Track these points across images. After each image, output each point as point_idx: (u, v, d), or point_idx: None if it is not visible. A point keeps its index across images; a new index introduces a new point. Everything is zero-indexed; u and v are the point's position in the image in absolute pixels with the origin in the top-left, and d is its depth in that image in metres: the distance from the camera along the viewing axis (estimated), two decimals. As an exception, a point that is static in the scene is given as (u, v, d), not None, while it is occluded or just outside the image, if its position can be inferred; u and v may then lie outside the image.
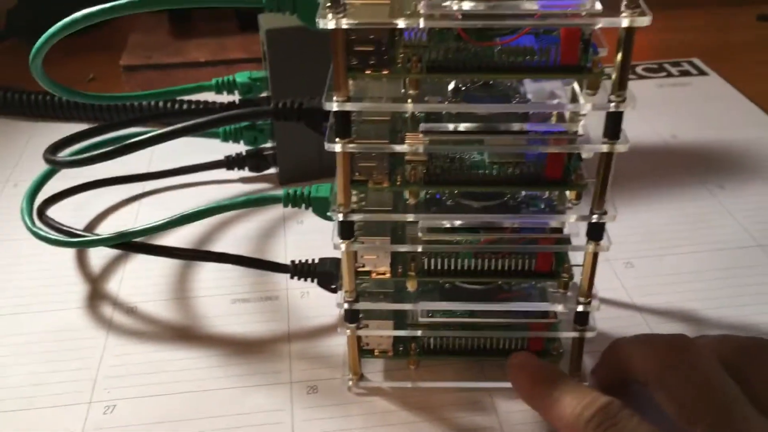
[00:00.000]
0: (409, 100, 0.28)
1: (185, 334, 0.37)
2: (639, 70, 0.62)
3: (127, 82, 0.59)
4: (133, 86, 0.59)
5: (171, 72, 0.59)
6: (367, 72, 0.27)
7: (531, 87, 0.30)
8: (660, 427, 0.27)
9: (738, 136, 0.52)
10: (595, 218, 0.29)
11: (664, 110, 0.56)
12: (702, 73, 0.61)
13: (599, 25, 0.25)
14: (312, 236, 0.43)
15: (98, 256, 0.42)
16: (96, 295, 0.40)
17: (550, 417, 0.31)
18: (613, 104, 0.26)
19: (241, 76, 0.45)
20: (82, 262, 0.42)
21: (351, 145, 0.28)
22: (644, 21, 0.25)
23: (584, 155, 0.30)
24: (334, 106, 0.27)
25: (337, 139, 0.28)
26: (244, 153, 0.48)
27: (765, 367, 0.30)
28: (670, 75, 0.61)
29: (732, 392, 0.28)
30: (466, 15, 0.26)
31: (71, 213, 0.45)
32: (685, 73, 0.61)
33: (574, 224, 0.31)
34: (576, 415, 0.29)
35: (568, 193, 0.31)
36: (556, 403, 0.30)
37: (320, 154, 0.47)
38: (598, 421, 0.28)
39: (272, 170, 0.49)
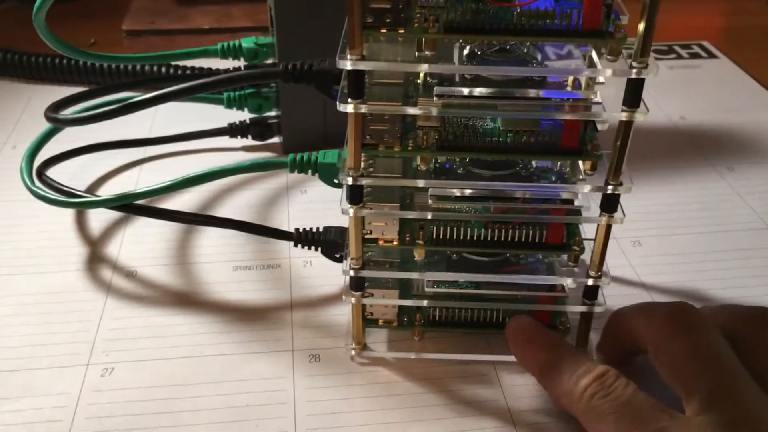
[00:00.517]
0: (425, 61, 0.27)
1: (185, 299, 0.37)
2: (648, 51, 0.61)
3: (130, 47, 0.58)
4: (136, 51, 0.58)
5: (174, 38, 0.58)
6: (383, 31, 0.26)
7: (548, 59, 0.30)
8: (661, 398, 0.27)
9: (747, 119, 0.52)
10: (610, 189, 0.28)
11: (673, 92, 0.55)
12: (712, 56, 0.61)
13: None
14: (315, 206, 0.43)
15: (98, 219, 0.41)
16: (95, 258, 0.39)
17: (546, 384, 0.30)
18: (635, 70, 0.26)
19: (247, 42, 0.44)
20: (81, 225, 0.41)
21: (363, 106, 0.27)
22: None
23: (599, 127, 0.29)
24: (348, 65, 0.26)
25: (349, 100, 0.27)
26: (248, 121, 0.47)
27: (767, 337, 0.29)
28: (680, 57, 0.60)
29: (731, 363, 0.27)
30: (487, -28, 0.25)
31: (71, 176, 0.44)
32: (695, 56, 0.61)
33: (585, 199, 0.30)
34: (572, 384, 0.28)
35: (581, 164, 0.30)
36: (554, 371, 0.29)
37: (325, 124, 0.46)
38: (593, 391, 0.28)
39: (276, 139, 0.48)
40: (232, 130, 0.47)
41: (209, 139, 0.47)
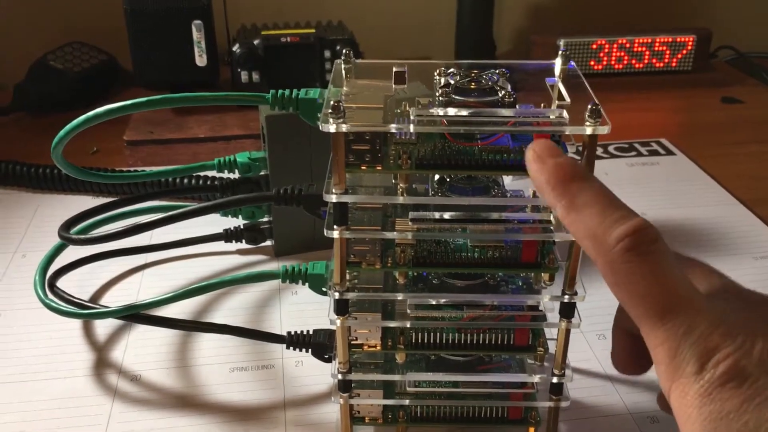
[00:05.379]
0: (400, 191, 0.31)
1: (187, 401, 0.39)
2: (611, 149, 0.66)
3: (130, 156, 0.62)
4: (136, 160, 0.62)
5: (172, 146, 0.63)
6: (363, 168, 0.30)
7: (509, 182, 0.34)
8: None
9: (702, 213, 0.56)
10: (566, 298, 0.32)
11: (634, 188, 0.60)
12: (669, 152, 0.66)
13: (566, 132, 0.29)
14: (306, 306, 0.46)
15: (103, 326, 0.45)
16: (101, 363, 0.42)
17: (570, 221, 0.27)
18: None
19: (241, 156, 0.48)
20: (88, 332, 0.44)
21: (347, 232, 0.31)
22: (604, 130, 0.28)
23: (557, 240, 0.33)
24: (333, 198, 0.30)
25: (335, 227, 0.31)
26: (242, 226, 0.51)
27: None
28: (639, 154, 0.65)
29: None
30: (451, 120, 0.29)
31: (77, 283, 0.47)
32: (653, 153, 0.66)
33: (548, 302, 0.34)
34: (605, 227, 0.26)
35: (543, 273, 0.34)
36: (582, 207, 0.27)
37: (314, 229, 0.50)
38: (630, 244, 0.25)
39: (268, 243, 0.52)
40: (228, 236, 0.51)
41: (206, 244, 0.51)
